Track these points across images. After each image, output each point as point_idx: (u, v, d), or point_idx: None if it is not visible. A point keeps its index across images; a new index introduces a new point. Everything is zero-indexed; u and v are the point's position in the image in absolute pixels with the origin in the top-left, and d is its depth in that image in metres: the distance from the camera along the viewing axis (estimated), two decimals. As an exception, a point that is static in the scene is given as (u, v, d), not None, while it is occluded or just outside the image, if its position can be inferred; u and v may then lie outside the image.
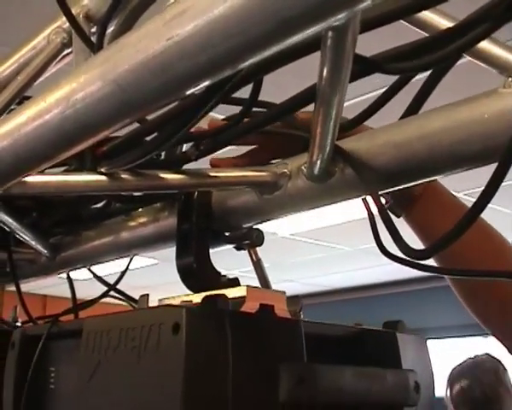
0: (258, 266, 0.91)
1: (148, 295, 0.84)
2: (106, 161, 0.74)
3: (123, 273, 1.15)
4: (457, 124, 0.60)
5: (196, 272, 0.81)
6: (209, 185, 0.78)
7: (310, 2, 0.38)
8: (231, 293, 0.75)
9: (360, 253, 6.00)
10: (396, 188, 0.67)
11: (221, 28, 0.42)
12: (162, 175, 0.76)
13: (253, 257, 0.91)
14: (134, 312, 0.73)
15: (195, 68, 0.45)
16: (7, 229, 1.01)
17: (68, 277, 1.19)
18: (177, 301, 0.82)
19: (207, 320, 0.63)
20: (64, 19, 0.94)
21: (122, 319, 0.70)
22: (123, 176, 0.76)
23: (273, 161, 0.79)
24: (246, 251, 0.93)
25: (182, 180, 0.76)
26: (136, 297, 1.11)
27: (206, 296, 0.68)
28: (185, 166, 0.78)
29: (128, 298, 1.16)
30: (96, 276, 1.16)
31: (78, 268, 1.12)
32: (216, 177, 0.77)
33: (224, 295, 0.67)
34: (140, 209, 0.97)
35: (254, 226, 0.86)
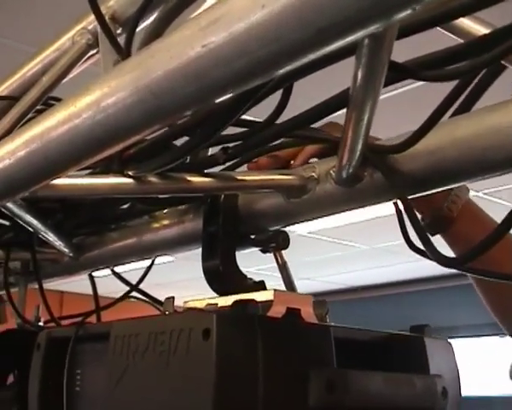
0: (283, 268, 0.90)
1: (173, 297, 0.84)
2: (133, 164, 0.74)
3: (145, 273, 1.15)
4: (489, 129, 0.59)
5: (223, 274, 0.80)
6: (236, 189, 0.78)
7: (348, 11, 0.38)
8: (259, 297, 0.75)
9: (377, 251, 5.98)
10: (425, 193, 0.67)
11: (258, 35, 0.41)
12: (189, 178, 0.76)
13: (279, 260, 0.90)
14: (163, 316, 0.73)
15: (231, 75, 0.45)
16: (31, 229, 1.01)
17: (91, 277, 1.20)
18: (202, 304, 0.82)
19: (238, 326, 0.63)
20: (89, 20, 0.94)
21: (151, 324, 0.70)
22: (149, 179, 0.76)
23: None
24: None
25: (209, 183, 0.76)
26: (153, 295, 1.12)
27: (236, 301, 0.67)
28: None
29: (150, 298, 1.16)
30: (118, 276, 1.16)
31: (102, 268, 1.12)
32: (243, 180, 0.76)
33: (253, 300, 0.67)
34: (164, 211, 0.97)
35: (281, 229, 0.86)
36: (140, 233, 0.99)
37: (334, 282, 7.49)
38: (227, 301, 0.81)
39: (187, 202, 0.91)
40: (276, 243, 0.85)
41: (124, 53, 0.70)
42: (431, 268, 6.54)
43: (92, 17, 0.93)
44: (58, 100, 1.04)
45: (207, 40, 0.44)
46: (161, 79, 0.49)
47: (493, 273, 0.64)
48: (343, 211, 0.74)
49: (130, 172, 0.75)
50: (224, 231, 0.81)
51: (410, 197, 0.69)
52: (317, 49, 0.41)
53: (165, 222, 0.95)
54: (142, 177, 0.76)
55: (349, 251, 6.16)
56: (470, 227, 0.93)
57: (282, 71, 0.43)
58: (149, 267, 1.14)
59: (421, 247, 0.63)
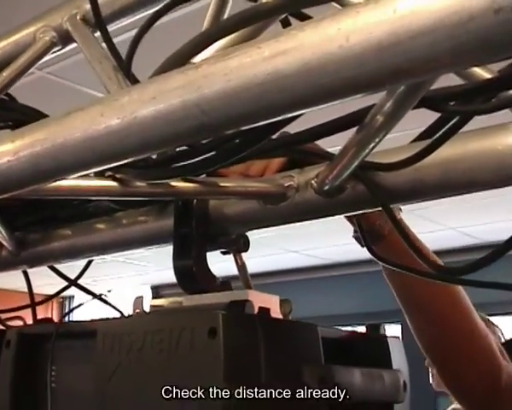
0: (242, 269, 0.95)
1: (142, 297, 0.87)
2: (124, 168, 0.76)
3: (84, 269, 1.16)
4: (473, 153, 0.67)
5: (195, 274, 0.84)
6: (219, 194, 0.82)
7: (422, 62, 0.43)
8: (235, 296, 0.79)
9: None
10: (406, 204, 0.74)
11: (333, 70, 0.46)
12: (172, 183, 0.78)
13: (238, 261, 0.95)
14: (158, 315, 0.76)
15: (293, 101, 0.49)
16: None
17: (25, 273, 1.19)
18: (165, 303, 0.86)
19: (240, 324, 0.68)
20: (52, 17, 0.94)
21: (145, 322, 0.73)
22: (133, 182, 0.78)
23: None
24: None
25: (193, 188, 0.79)
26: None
27: (233, 302, 0.71)
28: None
29: (88, 292, 1.17)
30: (56, 271, 1.16)
31: (44, 265, 1.11)
32: (225, 187, 0.80)
33: (250, 301, 0.71)
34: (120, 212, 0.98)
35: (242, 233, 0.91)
36: (95, 231, 1.00)
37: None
38: (192, 300, 0.85)
39: (149, 203, 0.94)
40: (237, 246, 0.90)
41: (124, 66, 0.71)
42: (297, 261, 6.77)
43: (56, 15, 0.94)
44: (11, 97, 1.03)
45: (273, 69, 0.48)
46: (214, 98, 0.52)
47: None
48: (321, 218, 0.80)
49: (118, 175, 0.77)
50: (197, 233, 0.85)
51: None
52: (381, 86, 0.47)
53: (124, 221, 0.97)
54: (125, 180, 0.78)
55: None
56: (398, 244, 1.01)
57: (347, 99, 0.48)
58: (89, 263, 1.15)
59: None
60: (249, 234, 0.89)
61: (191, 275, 0.85)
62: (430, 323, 1.07)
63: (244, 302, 0.71)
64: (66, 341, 0.81)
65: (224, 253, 0.92)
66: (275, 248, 6.00)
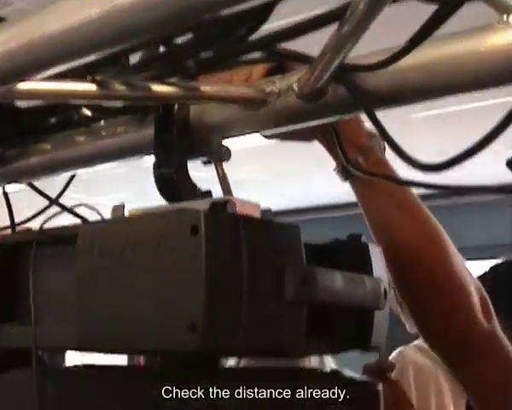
0: (223, 180, 0.94)
1: (123, 205, 0.86)
2: (104, 68, 0.74)
3: (65, 187, 1.15)
4: (454, 54, 0.66)
5: (176, 183, 0.84)
6: (200, 98, 0.80)
7: None
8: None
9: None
10: (388, 109, 0.73)
11: None
12: (152, 86, 0.77)
13: (220, 171, 0.94)
14: (139, 217, 0.76)
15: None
16: None
17: (4, 192, 1.18)
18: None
19: (222, 222, 0.67)
20: None
21: (126, 224, 0.73)
22: (111, 85, 0.77)
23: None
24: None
25: (171, 92, 0.78)
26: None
27: (214, 203, 0.71)
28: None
29: (71, 212, 1.16)
30: (36, 189, 1.15)
31: (23, 181, 1.11)
32: (206, 91, 0.79)
33: (231, 201, 0.71)
34: (101, 122, 0.97)
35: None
36: (74, 144, 0.99)
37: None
38: (174, 208, 0.84)
39: (129, 112, 0.93)
40: (218, 156, 0.90)
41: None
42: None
43: None
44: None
45: None
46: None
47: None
48: (304, 124, 0.79)
49: (97, 77, 0.75)
50: (179, 141, 0.84)
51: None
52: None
53: (104, 133, 0.96)
54: (104, 82, 0.77)
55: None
56: (379, 183, 1.00)
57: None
58: (71, 179, 1.14)
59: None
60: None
61: (172, 183, 0.84)
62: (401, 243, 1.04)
63: (225, 202, 0.70)
64: (47, 248, 0.81)
65: (205, 162, 0.92)
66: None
